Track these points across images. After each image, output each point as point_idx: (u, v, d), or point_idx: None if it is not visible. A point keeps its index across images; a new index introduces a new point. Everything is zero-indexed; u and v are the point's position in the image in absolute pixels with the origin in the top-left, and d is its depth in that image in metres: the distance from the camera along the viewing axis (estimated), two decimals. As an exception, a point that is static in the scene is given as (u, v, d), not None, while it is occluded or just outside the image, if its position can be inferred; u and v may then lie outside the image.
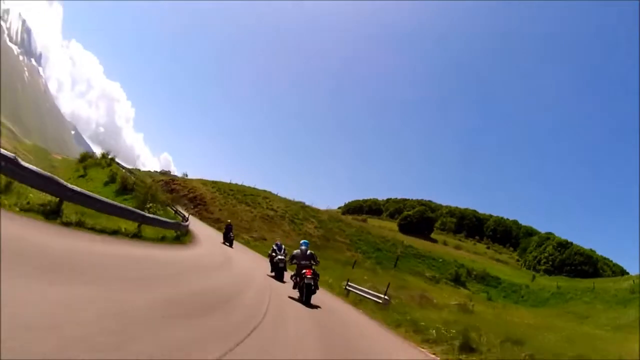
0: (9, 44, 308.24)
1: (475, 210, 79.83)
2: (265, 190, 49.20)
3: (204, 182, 48.77)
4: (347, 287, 16.44)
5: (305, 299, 10.08)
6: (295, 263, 11.40)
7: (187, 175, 51.14)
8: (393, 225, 66.10)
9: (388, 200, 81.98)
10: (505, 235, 74.19)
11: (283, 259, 14.86)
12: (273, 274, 15.14)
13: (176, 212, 24.59)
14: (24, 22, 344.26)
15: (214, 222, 37.24)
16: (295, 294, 10.73)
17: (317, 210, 48.50)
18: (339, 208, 79.72)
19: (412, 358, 7.38)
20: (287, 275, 14.23)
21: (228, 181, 49.44)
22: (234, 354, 3.67)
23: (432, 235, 65.89)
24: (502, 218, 77.89)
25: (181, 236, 15.60)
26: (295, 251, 11.92)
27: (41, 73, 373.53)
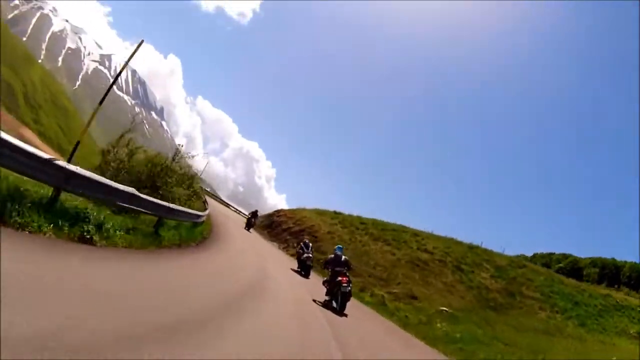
0: (118, 92, 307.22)
1: (614, 259, 73.09)
2: (414, 229, 34.18)
3: (320, 212, 36.20)
4: None
5: (339, 308, 9.80)
6: (329, 268, 11.16)
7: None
8: (546, 280, 52.72)
9: (534, 255, 78.38)
10: (639, 280, 68.62)
11: (310, 257, 16.20)
12: (299, 269, 16.19)
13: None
14: (134, 72, 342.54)
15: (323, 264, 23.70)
16: (322, 297, 10.56)
17: (491, 253, 31.78)
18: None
19: None
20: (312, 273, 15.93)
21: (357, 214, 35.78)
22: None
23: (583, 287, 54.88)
24: (635, 263, 71.06)
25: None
26: (329, 256, 11.88)
27: (165, 127, 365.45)
